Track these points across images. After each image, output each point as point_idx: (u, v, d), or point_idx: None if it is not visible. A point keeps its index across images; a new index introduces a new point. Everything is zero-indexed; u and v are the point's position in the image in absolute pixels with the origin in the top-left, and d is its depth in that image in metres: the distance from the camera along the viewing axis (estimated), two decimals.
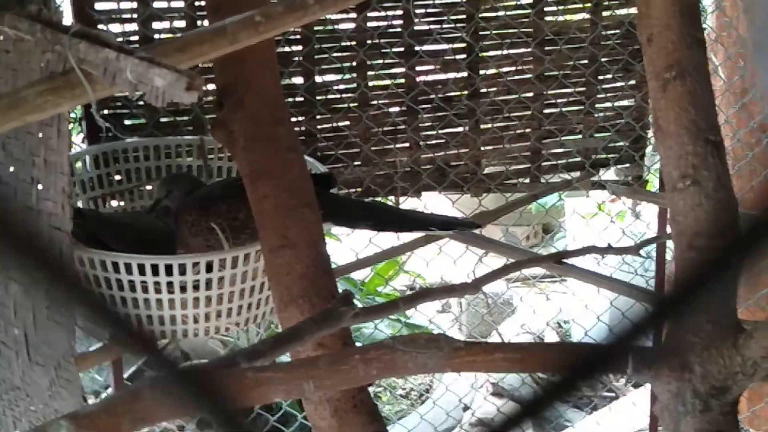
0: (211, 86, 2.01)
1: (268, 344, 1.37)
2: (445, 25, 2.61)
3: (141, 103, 2.36)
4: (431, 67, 2.64)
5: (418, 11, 2.58)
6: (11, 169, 1.60)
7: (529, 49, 2.70)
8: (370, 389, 2.02)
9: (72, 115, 2.30)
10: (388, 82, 2.63)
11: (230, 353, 1.38)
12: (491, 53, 2.69)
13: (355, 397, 1.64)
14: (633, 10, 2.72)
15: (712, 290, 0.45)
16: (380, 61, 2.59)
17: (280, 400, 3.07)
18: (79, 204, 2.15)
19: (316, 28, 2.49)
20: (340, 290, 1.65)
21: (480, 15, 2.62)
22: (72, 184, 1.64)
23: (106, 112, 2.37)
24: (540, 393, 0.48)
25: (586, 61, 2.75)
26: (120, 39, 2.22)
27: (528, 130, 2.76)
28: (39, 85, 1.23)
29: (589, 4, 2.73)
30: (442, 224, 2.05)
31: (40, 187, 1.54)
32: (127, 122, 2.39)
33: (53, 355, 1.58)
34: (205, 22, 2.35)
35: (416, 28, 2.58)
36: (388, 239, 2.48)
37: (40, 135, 1.50)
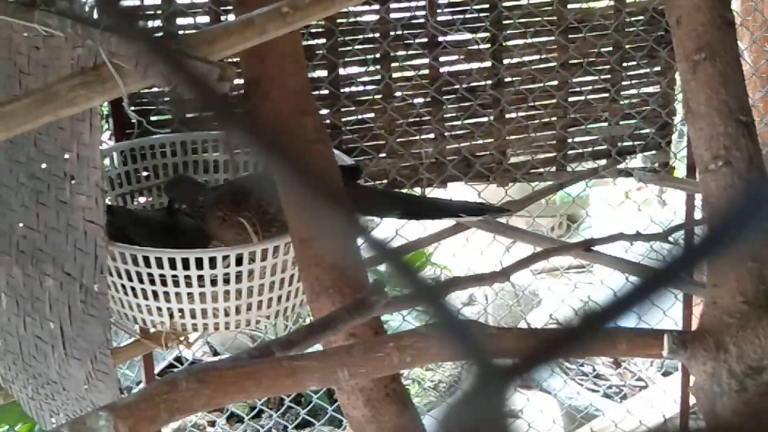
0: (237, 80, 2.02)
1: (302, 334, 1.38)
2: (468, 15, 2.61)
3: (167, 99, 2.37)
4: (455, 57, 2.64)
5: (440, 1, 2.58)
6: (43, 165, 1.62)
7: (553, 38, 2.69)
8: None
9: None
10: (412, 73, 2.63)
11: (264, 343, 1.39)
12: (515, 42, 2.69)
13: (388, 386, 1.64)
14: None
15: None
16: (404, 53, 2.59)
17: (309, 393, 3.09)
18: (108, 201, 2.17)
19: (339, 20, 2.50)
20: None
21: (503, 4, 2.62)
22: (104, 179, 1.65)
23: (132, 108, 2.38)
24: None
25: (610, 49, 2.74)
26: None
27: (553, 118, 2.75)
28: (71, 79, 1.24)
29: None
30: (470, 210, 2.06)
31: (73, 182, 1.55)
32: (153, 118, 2.40)
33: (89, 348, 1.59)
34: (229, 17, 2.36)
35: (439, 18, 2.58)
36: (415, 230, 2.48)
37: (72, 130, 1.51)
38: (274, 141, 0.49)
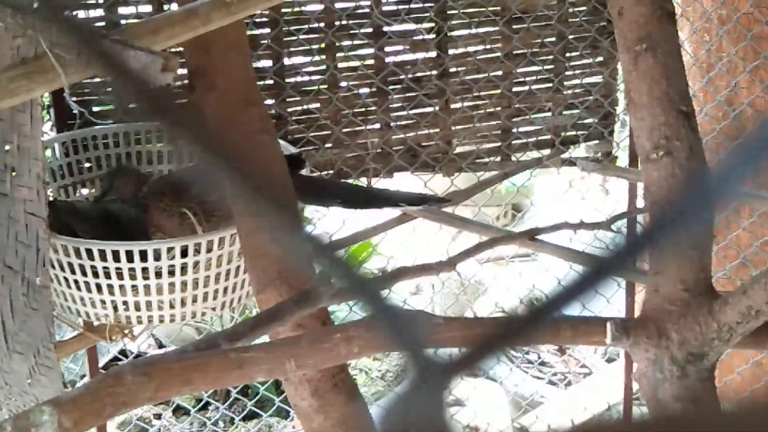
0: (181, 71, 2.01)
1: (248, 325, 1.37)
2: (412, 5, 2.61)
3: (109, 89, 2.35)
4: (400, 47, 2.65)
5: None
6: None
7: (497, 28, 2.70)
8: None
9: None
10: (357, 63, 2.63)
11: (210, 335, 1.39)
12: (460, 33, 2.70)
13: (335, 377, 1.65)
14: None
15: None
16: (349, 43, 2.58)
17: (256, 385, 3.08)
18: (49, 192, 2.14)
19: (283, 10, 2.48)
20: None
21: None
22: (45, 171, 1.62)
23: (74, 99, 2.34)
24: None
25: (554, 39, 2.77)
26: None
27: (498, 108, 2.77)
28: (11, 70, 1.22)
29: None
30: (412, 200, 2.07)
31: (14, 173, 1.53)
32: (95, 109, 2.37)
33: (32, 342, 1.57)
34: (172, 6, 2.33)
35: (384, 8, 2.58)
36: (361, 221, 2.49)
37: (13, 121, 1.48)
38: (215, 135, 0.48)
